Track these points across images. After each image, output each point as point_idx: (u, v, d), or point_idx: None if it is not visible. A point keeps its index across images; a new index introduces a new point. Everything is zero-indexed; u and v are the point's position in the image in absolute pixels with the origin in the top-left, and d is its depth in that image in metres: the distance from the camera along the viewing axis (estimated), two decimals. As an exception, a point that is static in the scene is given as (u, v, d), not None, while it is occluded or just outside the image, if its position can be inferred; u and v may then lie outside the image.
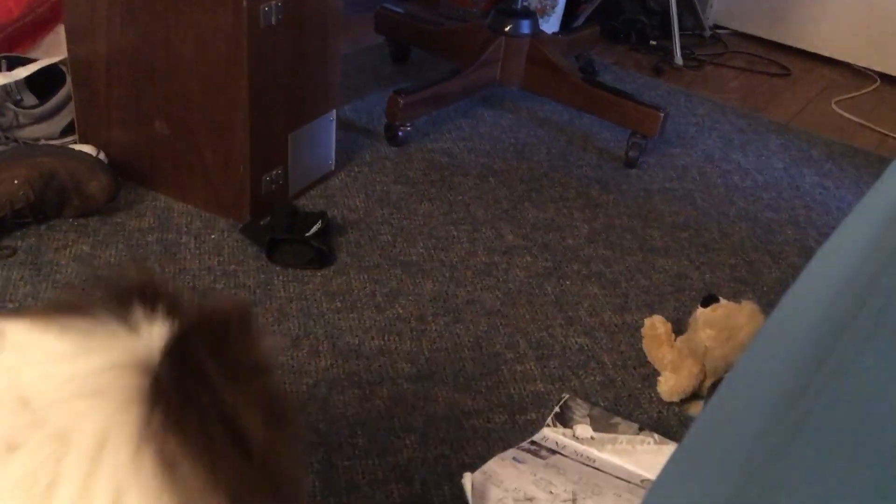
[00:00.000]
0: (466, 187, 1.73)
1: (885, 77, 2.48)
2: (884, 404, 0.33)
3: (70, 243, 1.41)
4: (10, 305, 1.26)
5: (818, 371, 0.37)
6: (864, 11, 2.47)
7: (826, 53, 2.58)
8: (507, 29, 1.95)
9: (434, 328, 1.34)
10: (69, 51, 1.51)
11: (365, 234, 1.54)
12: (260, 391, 0.57)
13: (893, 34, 2.44)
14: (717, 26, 2.74)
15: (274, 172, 1.53)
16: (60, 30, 1.66)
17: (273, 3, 1.38)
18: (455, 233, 1.58)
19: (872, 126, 2.22)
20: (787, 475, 0.35)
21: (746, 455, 0.37)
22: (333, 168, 1.71)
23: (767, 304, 1.47)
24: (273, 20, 1.39)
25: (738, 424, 0.40)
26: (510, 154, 1.88)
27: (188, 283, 1.37)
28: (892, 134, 2.19)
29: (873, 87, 2.45)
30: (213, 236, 1.48)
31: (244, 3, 1.32)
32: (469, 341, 1.32)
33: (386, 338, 1.31)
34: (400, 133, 1.83)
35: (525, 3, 2.01)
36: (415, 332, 1.32)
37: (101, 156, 1.51)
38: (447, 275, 1.47)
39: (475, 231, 1.59)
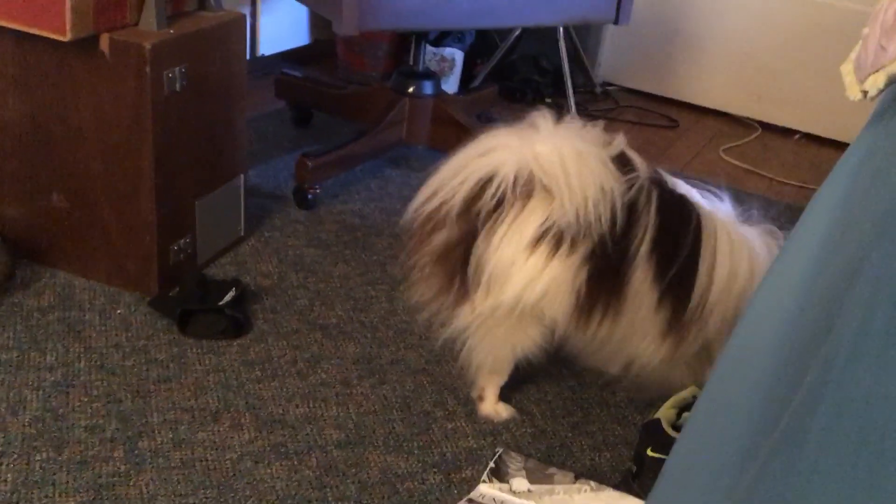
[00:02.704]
0: (381, 247, 1.72)
1: (765, 125, 2.64)
2: (876, 410, 0.33)
3: (-39, 328, 1.32)
4: None
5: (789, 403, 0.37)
6: (741, 64, 2.63)
7: (709, 105, 2.73)
8: (410, 90, 1.98)
9: (360, 391, 1.30)
10: (-44, 124, 1.43)
11: (281, 300, 1.50)
12: None
13: (770, 85, 2.61)
14: (606, 83, 2.86)
15: (182, 241, 1.48)
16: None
17: (177, 69, 1.35)
18: (373, 293, 1.56)
19: (759, 171, 2.35)
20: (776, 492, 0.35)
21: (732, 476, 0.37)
22: (243, 234, 1.67)
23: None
24: (177, 86, 1.36)
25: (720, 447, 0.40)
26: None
27: (96, 361, 1.29)
28: (777, 178, 2.32)
29: (756, 135, 2.60)
30: (119, 311, 1.41)
31: (147, 69, 1.29)
32: (397, 402, 1.29)
33: (311, 404, 1.26)
34: (309, 196, 1.81)
35: (426, 66, 2.05)
36: (340, 397, 1.29)
37: (-6, 233, 1.42)
38: (369, 336, 1.44)
39: (393, 290, 1.58)
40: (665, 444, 1.09)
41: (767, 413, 0.37)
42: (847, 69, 0.70)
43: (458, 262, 1.15)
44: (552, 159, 1.12)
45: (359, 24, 1.50)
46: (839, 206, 0.50)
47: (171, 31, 1.34)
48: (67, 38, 1.24)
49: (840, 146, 2.47)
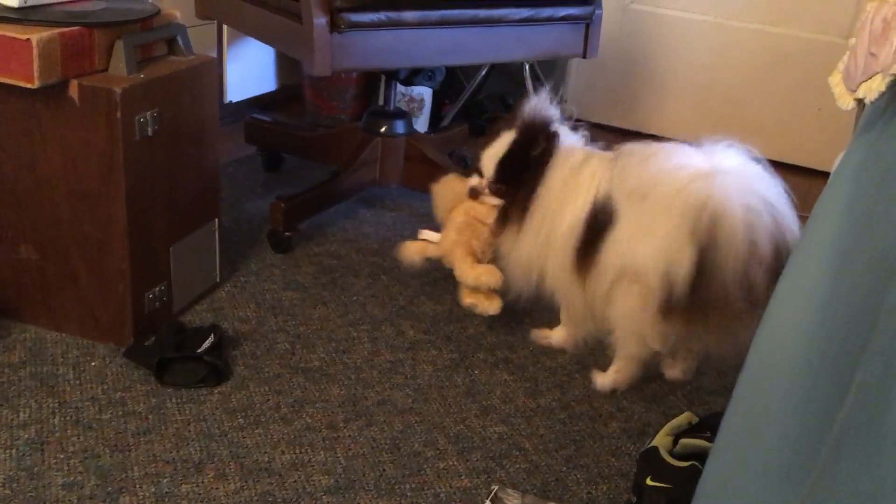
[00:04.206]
0: (360, 287, 1.69)
1: (730, 154, 2.68)
2: None
3: (-73, 388, 1.26)
4: None
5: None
6: (705, 95, 2.68)
7: (676, 136, 2.76)
8: (382, 130, 1.97)
9: (347, 434, 1.27)
10: (-82, 178, 1.39)
11: (261, 345, 1.47)
12: None
13: (733, 114, 2.66)
14: (573, 119, 2.89)
15: (157, 289, 1.44)
16: None
17: (148, 113, 1.33)
18: (355, 334, 1.53)
19: (729, 198, 2.37)
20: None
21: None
22: (219, 280, 1.63)
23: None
24: (149, 131, 1.34)
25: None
26: (397, 251, 1.87)
27: (71, 416, 1.24)
28: (747, 204, 2.34)
29: (722, 163, 2.64)
30: (93, 364, 1.36)
31: (118, 114, 1.27)
32: (386, 444, 1.26)
33: (297, 450, 1.22)
34: (284, 239, 1.78)
35: (396, 105, 2.05)
36: (327, 441, 1.25)
37: (-40, 288, 1.37)
38: (353, 377, 1.41)
39: (375, 330, 1.55)
40: (664, 472, 1.07)
41: (811, 414, 0.35)
42: (836, 80, 0.70)
43: None
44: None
45: (332, 65, 1.50)
46: (847, 210, 0.50)
47: (142, 76, 1.32)
48: (35, 85, 1.22)
49: (804, 171, 2.51)
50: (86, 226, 1.35)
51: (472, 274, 1.50)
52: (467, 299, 1.53)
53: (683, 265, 1.22)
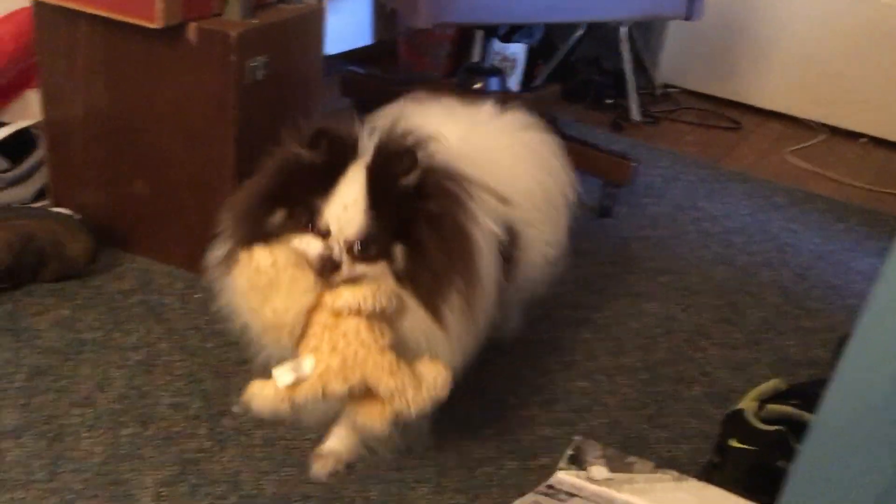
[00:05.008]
0: (447, 241, 1.73)
1: (832, 129, 2.60)
2: None
3: (49, 308, 1.35)
4: (-9, 372, 1.20)
5: None
6: (806, 66, 2.59)
7: (773, 108, 2.69)
8: (476, 87, 1.99)
9: (433, 378, 1.31)
10: (45, 113, 1.47)
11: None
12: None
13: (836, 89, 2.57)
14: (666, 85, 2.84)
15: (257, 229, 1.50)
16: (28, 95, 1.63)
17: (259, 59, 1.38)
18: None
19: (826, 174, 2.31)
20: None
21: None
22: (313, 225, 1.69)
23: (754, 343, 1.50)
24: (258, 76, 1.39)
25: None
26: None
27: (177, 342, 1.32)
28: (845, 181, 2.28)
29: (822, 137, 2.56)
30: (197, 296, 1.44)
31: (232, 58, 1.32)
32: (470, 388, 1.29)
33: (386, 390, 1.27)
34: (377, 190, 1.82)
35: (491, 64, 2.05)
36: (414, 384, 1.29)
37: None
38: (440, 325, 1.45)
39: (462, 282, 1.58)
40: (749, 435, 1.08)
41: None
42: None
43: None
44: None
45: (435, 17, 1.52)
46: None
47: (255, 21, 1.37)
48: (158, 25, 1.28)
49: (910, 149, 2.42)
50: (196, 165, 1.42)
51: (429, 380, 0.97)
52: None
53: None
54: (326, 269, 0.92)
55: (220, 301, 1.03)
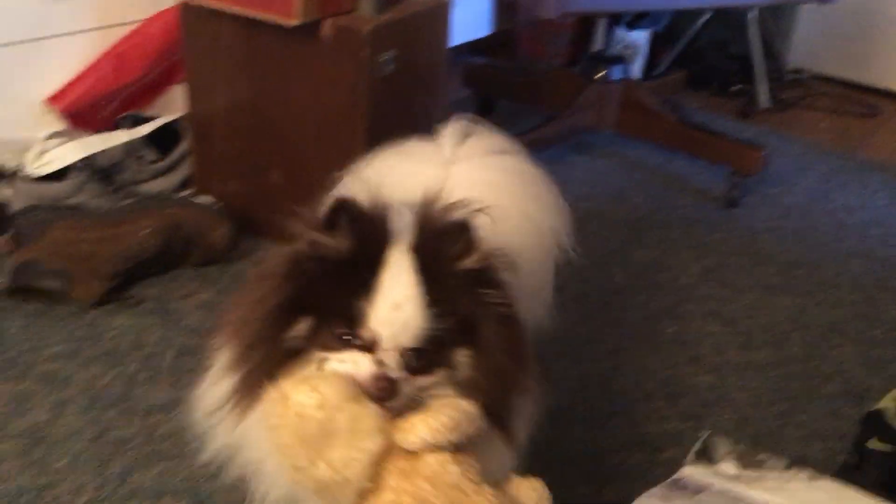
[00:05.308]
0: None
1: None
2: None
3: (193, 291, 1.44)
4: (144, 351, 1.28)
5: None
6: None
7: (914, 93, 2.54)
8: (598, 75, 1.97)
9: (557, 368, 1.32)
10: (190, 107, 1.56)
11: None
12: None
13: None
14: (796, 70, 2.73)
15: (385, 219, 1.55)
16: (174, 89, 1.73)
17: (388, 53, 1.41)
18: (563, 275, 1.57)
19: (974, 161, 2.17)
20: None
21: None
22: (437, 215, 1.72)
23: (893, 340, 1.43)
24: (388, 70, 1.43)
25: None
26: (608, 198, 1.88)
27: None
28: None
29: (970, 123, 2.40)
30: (328, 282, 1.49)
31: (364, 53, 1.36)
32: (595, 380, 1.30)
33: (511, 378, 1.29)
34: (498, 180, 1.84)
35: (614, 51, 2.03)
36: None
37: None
38: (562, 316, 1.45)
39: (583, 272, 1.58)
40: (889, 436, 1.04)
41: None
42: None
43: None
44: None
45: (561, 6, 1.52)
46: None
47: (385, 17, 1.41)
48: (295, 22, 1.33)
49: None
50: (328, 157, 1.47)
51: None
52: None
53: None
54: (385, 394, 0.69)
55: (214, 445, 0.77)
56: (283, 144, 1.51)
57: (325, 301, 0.71)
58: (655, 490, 1.07)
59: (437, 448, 0.69)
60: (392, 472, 0.69)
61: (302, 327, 0.71)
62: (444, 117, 1.61)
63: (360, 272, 0.70)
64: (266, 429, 0.70)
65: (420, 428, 0.69)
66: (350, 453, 0.68)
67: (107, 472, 1.06)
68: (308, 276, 0.72)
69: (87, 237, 1.35)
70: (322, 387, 0.68)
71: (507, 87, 2.19)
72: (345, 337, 0.70)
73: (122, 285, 1.39)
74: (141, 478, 1.06)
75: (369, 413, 0.68)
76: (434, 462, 0.69)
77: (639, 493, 1.07)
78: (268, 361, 0.72)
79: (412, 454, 0.69)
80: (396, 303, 0.70)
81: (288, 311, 0.72)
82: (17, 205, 1.45)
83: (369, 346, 0.70)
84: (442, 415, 0.69)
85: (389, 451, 0.69)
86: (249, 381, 0.72)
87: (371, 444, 0.68)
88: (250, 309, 0.75)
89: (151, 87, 1.70)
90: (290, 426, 0.67)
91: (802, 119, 2.42)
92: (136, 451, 1.10)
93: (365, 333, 0.70)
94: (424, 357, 0.71)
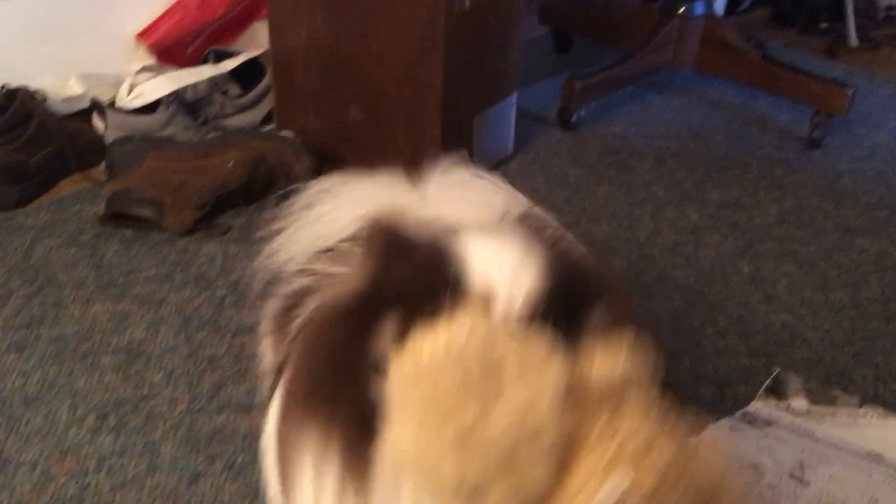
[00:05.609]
0: (643, 169, 1.72)
1: None
2: None
3: (276, 221, 1.49)
4: (232, 276, 1.35)
5: None
6: None
7: None
8: (679, 11, 1.93)
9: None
10: (272, 43, 1.60)
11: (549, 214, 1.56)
12: None
13: None
14: (890, 7, 2.60)
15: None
16: (256, 25, 1.77)
17: (467, -13, 1.42)
18: (638, 213, 1.58)
19: None
20: None
21: None
22: (511, 152, 1.74)
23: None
24: (466, 5, 1.43)
25: None
26: (685, 137, 1.86)
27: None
28: None
29: None
30: (404, 216, 1.53)
31: (443, -13, 1.37)
32: (666, 317, 1.31)
33: (582, 312, 1.32)
34: (573, 118, 1.84)
35: (696, -14, 1.98)
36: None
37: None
38: (635, 253, 1.46)
39: (658, 211, 1.58)
40: (968, 377, 1.03)
41: None
42: None
43: None
44: None
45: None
46: None
47: (464, -49, 1.41)
48: (376, -42, 1.35)
49: None
50: (405, 93, 1.50)
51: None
52: None
53: None
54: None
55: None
56: (361, 80, 1.54)
57: (409, 288, 0.55)
58: (724, 421, 1.09)
59: (627, 386, 0.52)
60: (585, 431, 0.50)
61: (388, 330, 0.54)
62: (519, 50, 1.60)
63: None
64: (406, 409, 0.49)
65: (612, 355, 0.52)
66: (529, 393, 0.49)
67: (199, 386, 1.14)
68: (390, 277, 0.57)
69: (178, 167, 1.41)
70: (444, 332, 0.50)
71: (584, 24, 2.16)
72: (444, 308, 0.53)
73: (209, 214, 1.46)
74: (231, 392, 1.13)
75: (536, 343, 0.51)
76: (633, 405, 0.51)
77: (706, 425, 1.09)
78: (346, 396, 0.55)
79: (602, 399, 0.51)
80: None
81: (364, 319, 0.56)
82: (111, 136, 1.53)
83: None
84: (617, 338, 0.53)
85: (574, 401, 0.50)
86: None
87: (554, 379, 0.50)
88: (312, 353, 0.60)
89: (235, 23, 1.74)
90: (444, 374, 0.48)
91: (893, 59, 2.32)
92: (226, 369, 1.17)
93: (476, 292, 0.54)
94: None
